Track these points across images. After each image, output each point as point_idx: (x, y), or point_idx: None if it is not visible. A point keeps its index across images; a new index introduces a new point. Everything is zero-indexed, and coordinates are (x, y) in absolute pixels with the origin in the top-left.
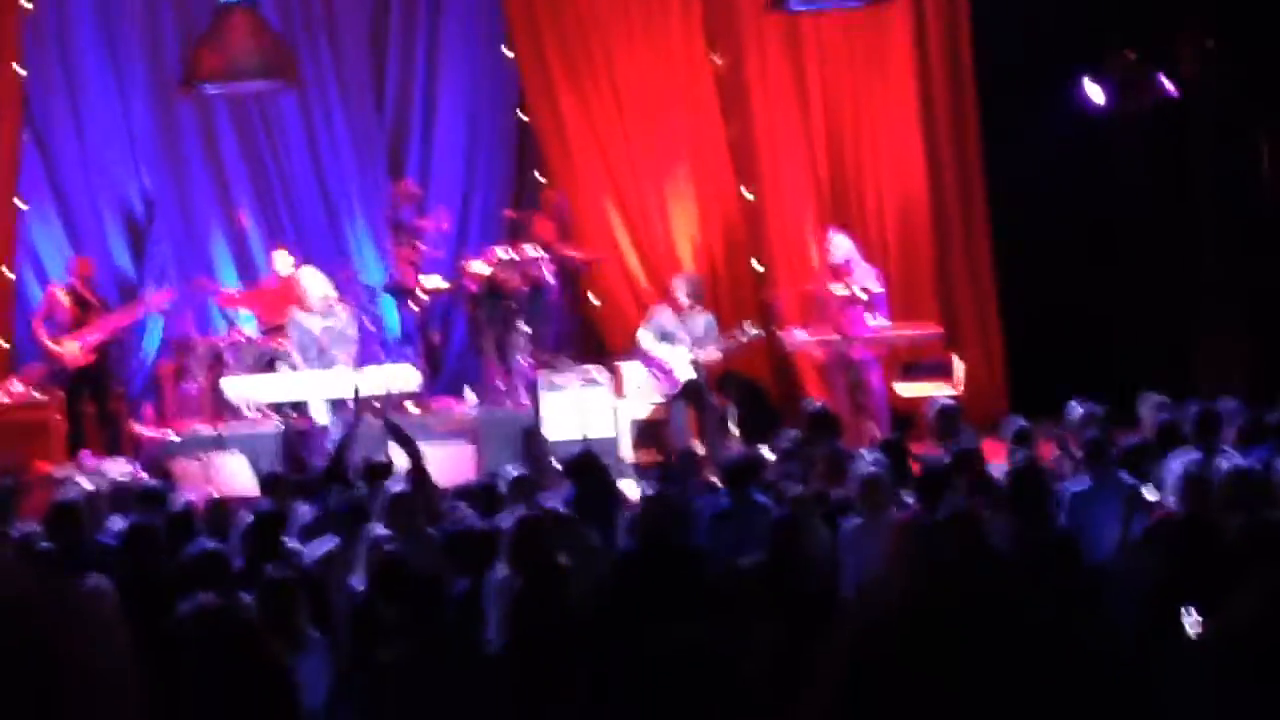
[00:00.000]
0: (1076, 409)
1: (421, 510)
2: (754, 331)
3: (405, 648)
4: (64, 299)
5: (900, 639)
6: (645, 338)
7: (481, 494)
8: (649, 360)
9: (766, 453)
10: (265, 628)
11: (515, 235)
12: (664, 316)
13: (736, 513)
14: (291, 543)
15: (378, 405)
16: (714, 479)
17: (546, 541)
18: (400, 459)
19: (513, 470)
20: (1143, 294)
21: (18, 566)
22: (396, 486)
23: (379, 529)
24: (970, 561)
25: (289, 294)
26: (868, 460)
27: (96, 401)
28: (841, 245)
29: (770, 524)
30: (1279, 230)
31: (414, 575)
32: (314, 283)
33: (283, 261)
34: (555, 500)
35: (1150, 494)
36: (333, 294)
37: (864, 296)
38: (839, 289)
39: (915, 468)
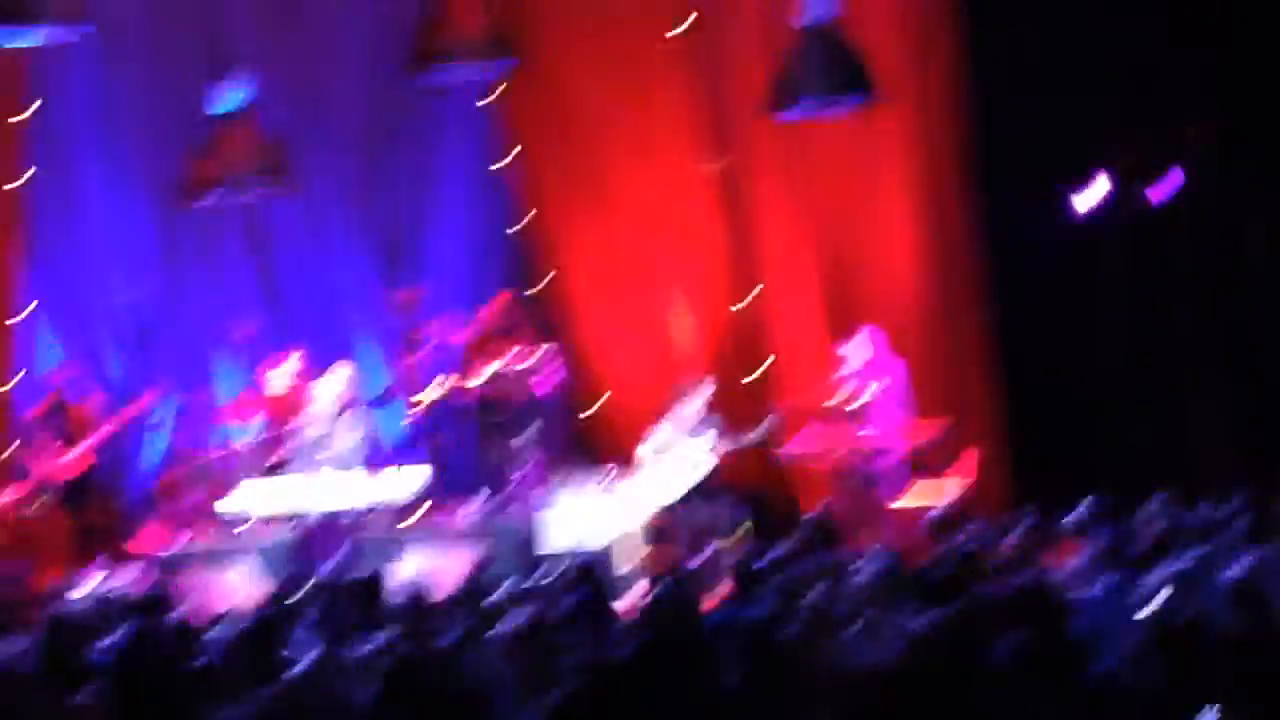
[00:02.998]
0: (1084, 509)
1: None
2: (764, 428)
3: None
4: (43, 421)
5: None
6: (645, 452)
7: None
8: (652, 473)
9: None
10: None
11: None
12: (663, 428)
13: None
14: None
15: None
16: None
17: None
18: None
19: (509, 582)
20: (1153, 381)
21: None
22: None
23: (380, 637)
24: (964, 671)
25: (294, 400)
26: (866, 568)
27: (87, 513)
28: (856, 353)
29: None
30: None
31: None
32: (331, 387)
33: (288, 367)
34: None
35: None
36: (348, 396)
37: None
38: (850, 398)
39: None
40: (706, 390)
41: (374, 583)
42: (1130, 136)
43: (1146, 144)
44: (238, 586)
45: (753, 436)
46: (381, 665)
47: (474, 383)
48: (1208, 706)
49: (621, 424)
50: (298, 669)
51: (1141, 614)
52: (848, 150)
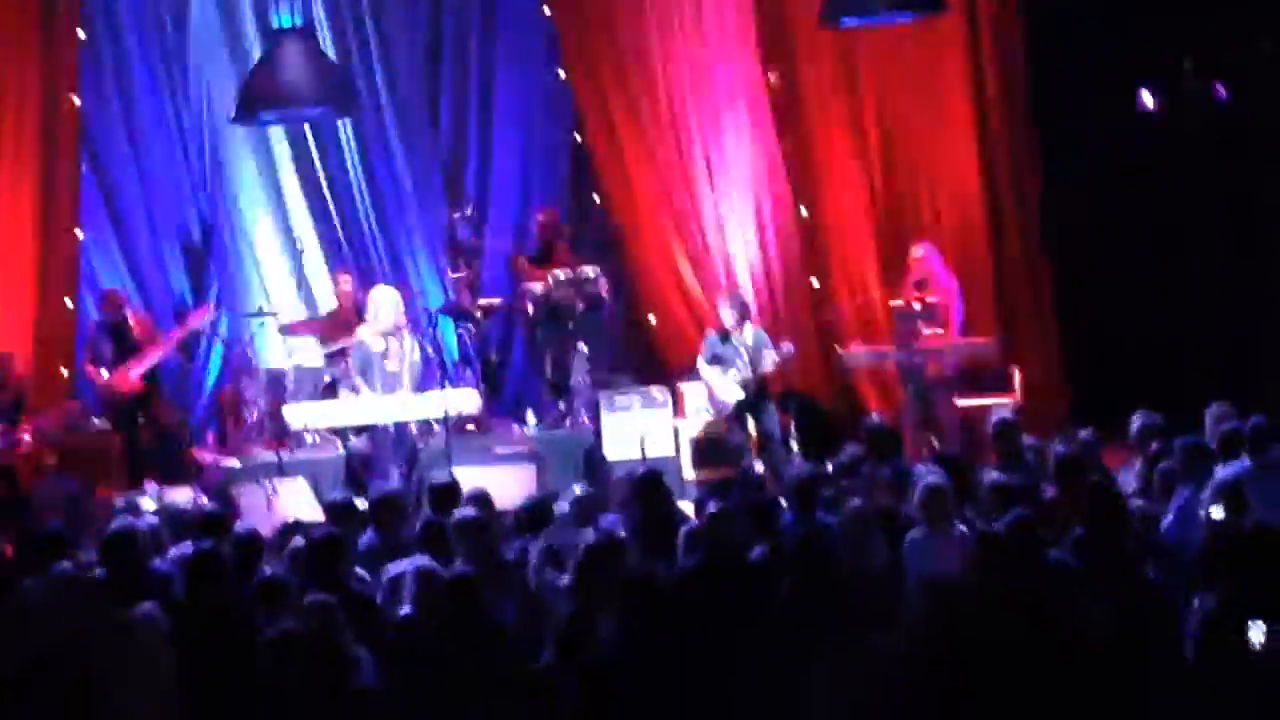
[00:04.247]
0: (1138, 420)
1: (494, 535)
2: (787, 350)
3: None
4: (102, 336)
5: (959, 651)
6: (701, 364)
7: (527, 515)
8: (706, 384)
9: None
10: (314, 651)
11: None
12: (712, 338)
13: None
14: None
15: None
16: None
17: (607, 562)
18: (467, 482)
19: (576, 489)
20: (1203, 300)
21: (65, 604)
22: (465, 511)
23: (421, 558)
24: (1029, 575)
25: (350, 317)
26: (927, 474)
27: (150, 428)
28: (921, 259)
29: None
30: None
31: (460, 598)
32: (386, 304)
33: (345, 284)
34: (615, 522)
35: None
36: (401, 317)
37: (920, 308)
38: (915, 304)
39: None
40: (744, 296)
41: (451, 489)
42: (1187, 51)
43: (1205, 57)
44: (295, 502)
45: (779, 360)
46: (439, 580)
47: (531, 296)
48: (1257, 622)
49: (677, 335)
50: (358, 583)
51: (1199, 522)
52: (907, 62)
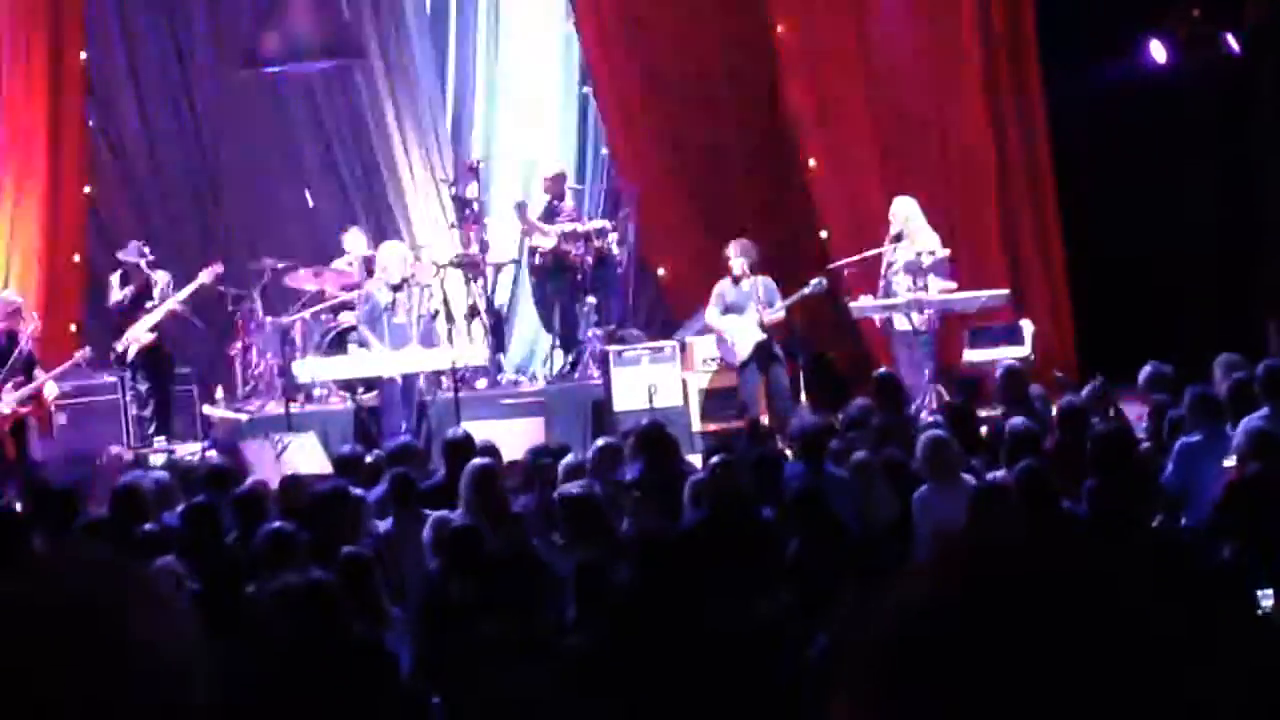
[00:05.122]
0: (1150, 370)
1: (502, 487)
2: (817, 283)
3: (500, 628)
4: (117, 286)
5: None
6: (712, 314)
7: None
8: (719, 334)
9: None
10: (348, 606)
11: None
12: (724, 287)
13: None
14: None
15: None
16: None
17: (608, 517)
18: (479, 434)
19: (600, 441)
20: (1211, 252)
21: (87, 554)
22: (478, 462)
23: (444, 511)
24: (1043, 524)
25: (360, 270)
26: (931, 425)
27: (158, 382)
28: (900, 211)
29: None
30: None
31: (489, 552)
32: (394, 258)
33: (354, 238)
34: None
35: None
36: (409, 270)
37: (925, 261)
38: (899, 254)
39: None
40: (753, 246)
41: (465, 443)
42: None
43: (1204, 11)
44: (304, 456)
45: (806, 293)
46: (449, 532)
47: (541, 250)
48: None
49: (687, 287)
50: (369, 537)
51: (1213, 470)
52: (915, 14)
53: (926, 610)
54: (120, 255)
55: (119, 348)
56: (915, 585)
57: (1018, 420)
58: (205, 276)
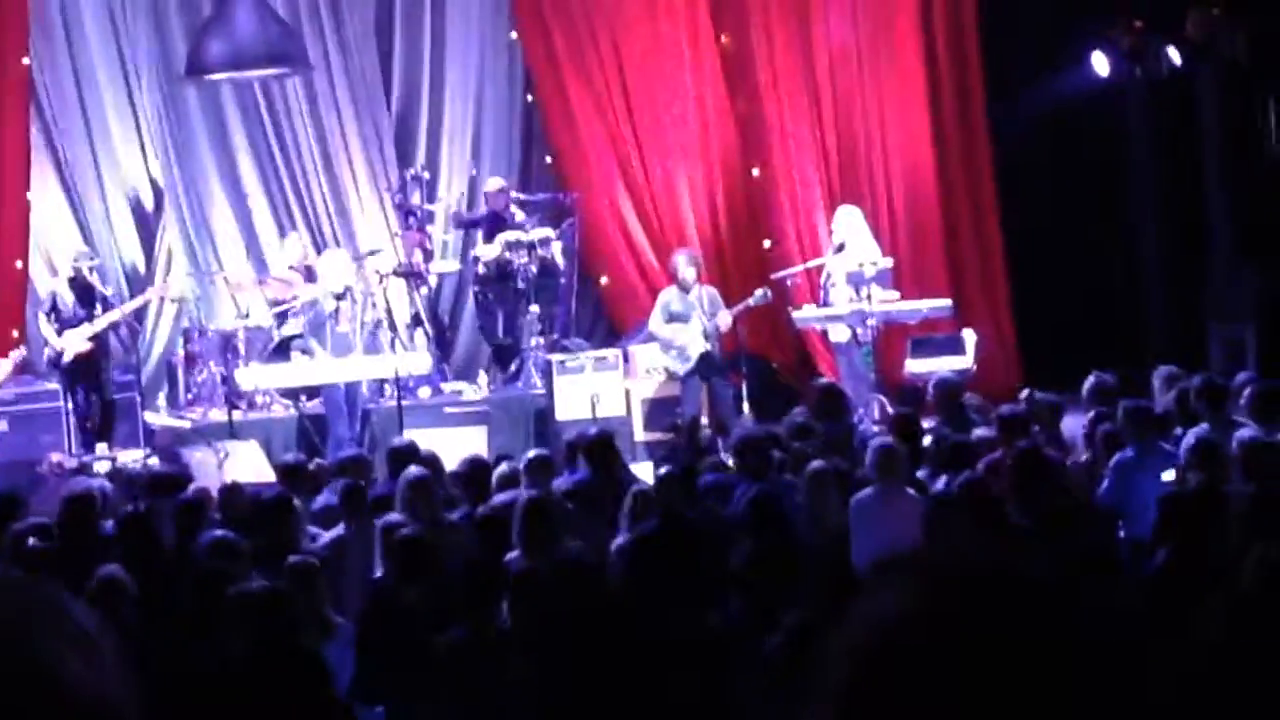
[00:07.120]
0: (1092, 381)
1: (441, 495)
2: (762, 294)
3: (456, 634)
4: (66, 293)
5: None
6: (656, 322)
7: (472, 477)
8: (663, 342)
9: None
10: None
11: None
12: (670, 295)
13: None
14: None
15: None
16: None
17: (555, 525)
18: (421, 443)
19: (531, 452)
20: (1152, 263)
21: (10, 578)
22: (414, 471)
23: (393, 515)
24: (989, 536)
25: (302, 279)
26: (876, 435)
27: (95, 390)
28: (843, 220)
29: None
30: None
31: (437, 558)
32: (337, 266)
33: (294, 247)
34: (566, 483)
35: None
36: (352, 279)
37: (869, 271)
38: (838, 265)
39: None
40: (698, 255)
41: (409, 452)
42: (1132, 17)
43: (1146, 24)
44: (247, 464)
45: (750, 303)
46: (394, 541)
47: (484, 258)
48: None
49: (630, 296)
50: (315, 544)
51: (1148, 484)
52: (859, 25)
53: (899, 621)
54: (65, 262)
55: (50, 351)
56: (886, 597)
57: (940, 434)
58: (152, 294)
